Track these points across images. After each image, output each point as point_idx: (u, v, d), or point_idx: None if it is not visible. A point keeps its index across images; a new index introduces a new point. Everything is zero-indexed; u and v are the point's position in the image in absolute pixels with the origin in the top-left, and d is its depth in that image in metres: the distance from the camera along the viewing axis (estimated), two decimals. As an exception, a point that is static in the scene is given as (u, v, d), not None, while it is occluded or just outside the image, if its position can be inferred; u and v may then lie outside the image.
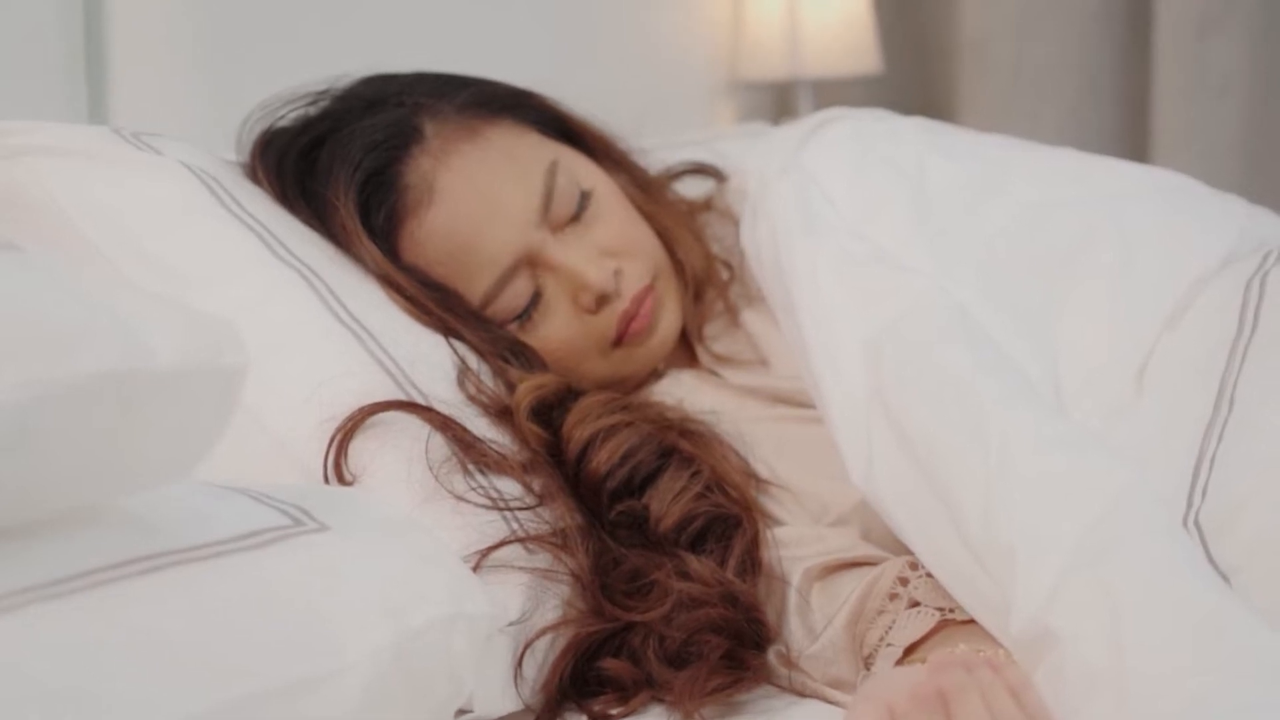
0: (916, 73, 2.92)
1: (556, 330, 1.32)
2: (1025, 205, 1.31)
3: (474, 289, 1.30)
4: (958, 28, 2.79)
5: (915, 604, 1.08)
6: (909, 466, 1.11)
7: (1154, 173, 1.43)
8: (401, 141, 1.30)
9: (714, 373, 1.37)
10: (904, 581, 1.10)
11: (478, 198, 1.30)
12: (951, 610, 1.07)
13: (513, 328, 1.31)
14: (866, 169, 1.35)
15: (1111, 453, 1.07)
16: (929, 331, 1.16)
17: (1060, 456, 1.05)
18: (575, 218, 1.33)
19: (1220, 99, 2.58)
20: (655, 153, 1.51)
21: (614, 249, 1.34)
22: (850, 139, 1.39)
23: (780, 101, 2.88)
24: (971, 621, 1.06)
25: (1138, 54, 2.68)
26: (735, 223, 1.42)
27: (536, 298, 1.31)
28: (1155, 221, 1.29)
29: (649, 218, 1.39)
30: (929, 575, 1.09)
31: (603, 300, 1.32)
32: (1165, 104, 2.61)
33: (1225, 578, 1.00)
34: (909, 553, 1.12)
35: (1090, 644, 0.93)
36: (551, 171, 1.32)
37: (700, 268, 1.40)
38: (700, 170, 1.53)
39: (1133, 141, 2.69)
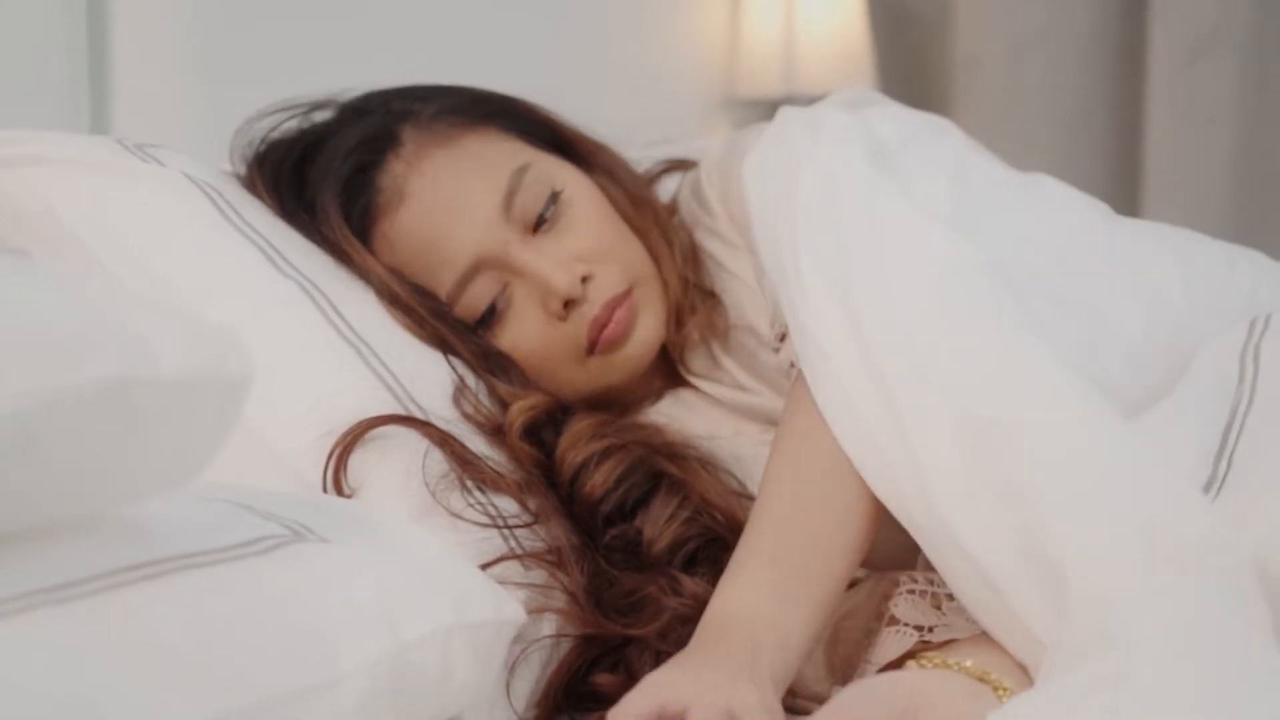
0: (911, 92, 2.92)
1: (527, 336, 1.31)
2: (1057, 222, 1.28)
3: (439, 290, 1.30)
4: (952, 48, 2.80)
5: (894, 621, 1.08)
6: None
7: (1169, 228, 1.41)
8: (380, 147, 1.32)
9: (712, 395, 1.37)
10: (887, 598, 1.10)
11: (442, 198, 1.30)
12: (930, 629, 1.07)
13: (483, 332, 1.30)
14: (908, 148, 1.28)
15: (1166, 465, 1.03)
16: (977, 303, 1.11)
17: (1120, 464, 1.01)
18: (551, 222, 1.32)
19: (1211, 124, 2.59)
20: (640, 164, 1.50)
21: (588, 255, 1.32)
22: (896, 118, 1.34)
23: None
24: (949, 642, 1.06)
25: (1130, 78, 2.69)
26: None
27: (503, 301, 1.30)
28: (1178, 258, 1.27)
29: (639, 233, 1.37)
30: (910, 593, 1.09)
31: (570, 305, 1.30)
32: (1157, 128, 2.63)
33: None
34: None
35: (1134, 652, 0.91)
36: (520, 172, 1.31)
37: (681, 292, 1.36)
38: (679, 166, 1.51)
39: (1125, 165, 2.70)
